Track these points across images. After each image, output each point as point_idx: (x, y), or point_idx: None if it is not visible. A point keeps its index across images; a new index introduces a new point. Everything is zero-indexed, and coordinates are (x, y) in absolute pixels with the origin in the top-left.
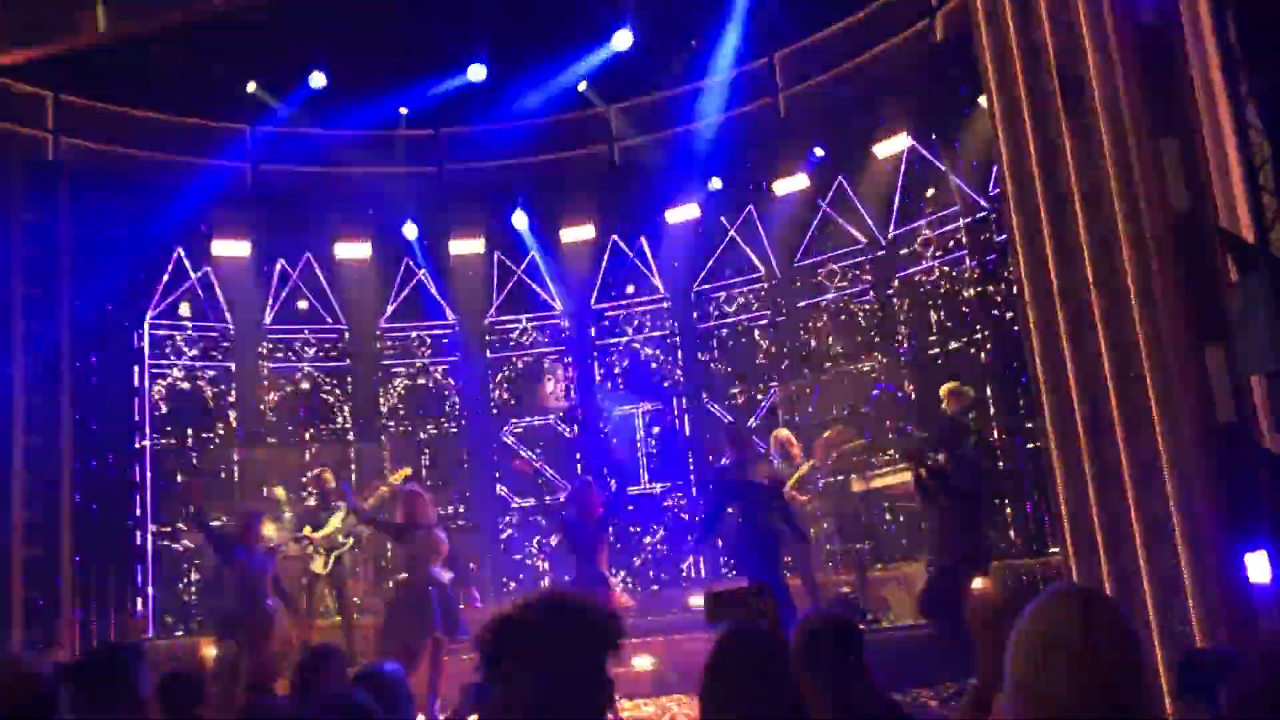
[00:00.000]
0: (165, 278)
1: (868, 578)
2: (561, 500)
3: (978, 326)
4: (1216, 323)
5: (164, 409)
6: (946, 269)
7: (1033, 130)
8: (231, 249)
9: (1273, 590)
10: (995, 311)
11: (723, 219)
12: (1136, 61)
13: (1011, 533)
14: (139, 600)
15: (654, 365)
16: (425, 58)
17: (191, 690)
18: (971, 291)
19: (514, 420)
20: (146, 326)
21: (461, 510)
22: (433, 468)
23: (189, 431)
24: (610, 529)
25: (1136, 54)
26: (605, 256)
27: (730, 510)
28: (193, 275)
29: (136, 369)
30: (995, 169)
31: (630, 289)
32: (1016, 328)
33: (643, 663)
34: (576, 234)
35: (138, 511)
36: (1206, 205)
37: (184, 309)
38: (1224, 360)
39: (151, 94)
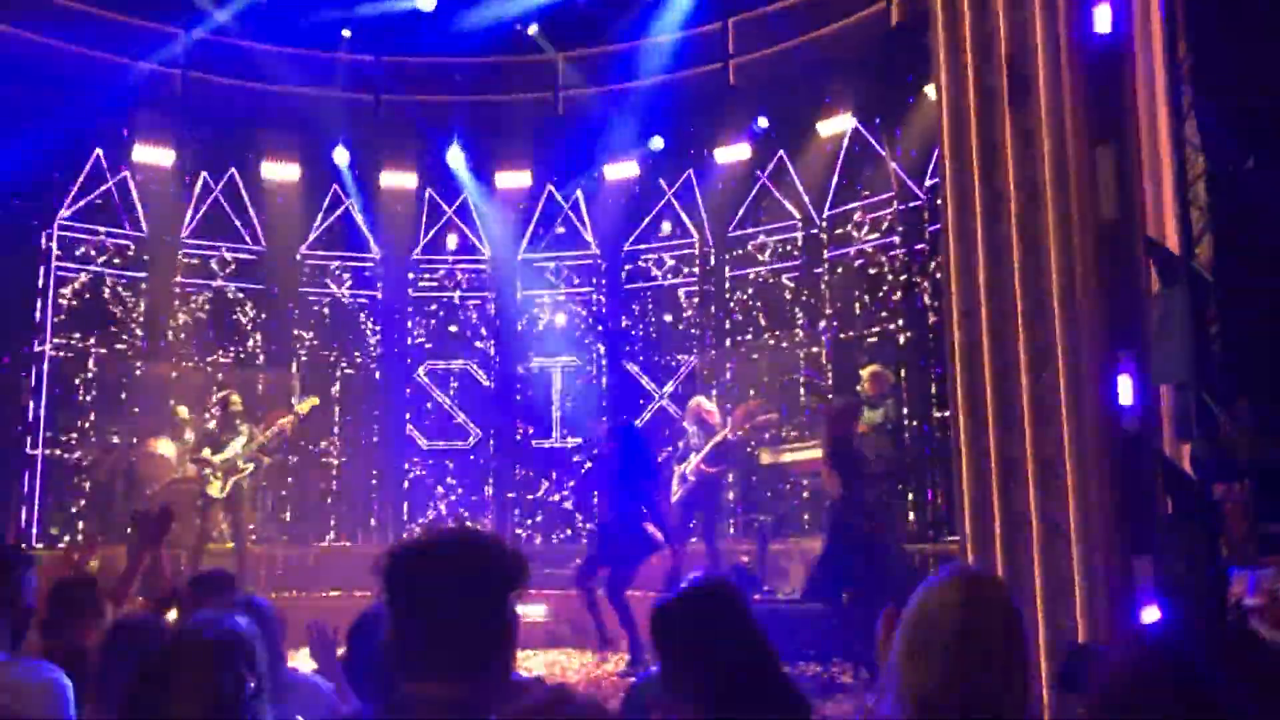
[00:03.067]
0: (81, 179)
1: (767, 550)
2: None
3: (900, 313)
4: (1132, 331)
5: (67, 315)
6: (875, 254)
7: (976, 125)
8: (154, 156)
9: (1154, 597)
10: (919, 300)
11: (661, 180)
12: (1085, 67)
13: (911, 515)
14: (24, 508)
15: (577, 320)
16: None
17: (83, 598)
18: (898, 278)
19: (430, 361)
20: (56, 227)
21: (375, 443)
22: (343, 402)
23: (91, 340)
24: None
25: (1086, 60)
26: (539, 205)
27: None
28: (110, 179)
29: (42, 270)
30: (934, 159)
31: (560, 241)
32: (935, 318)
33: (536, 613)
34: (512, 179)
35: (29, 417)
36: (1135, 215)
37: (98, 213)
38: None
39: None
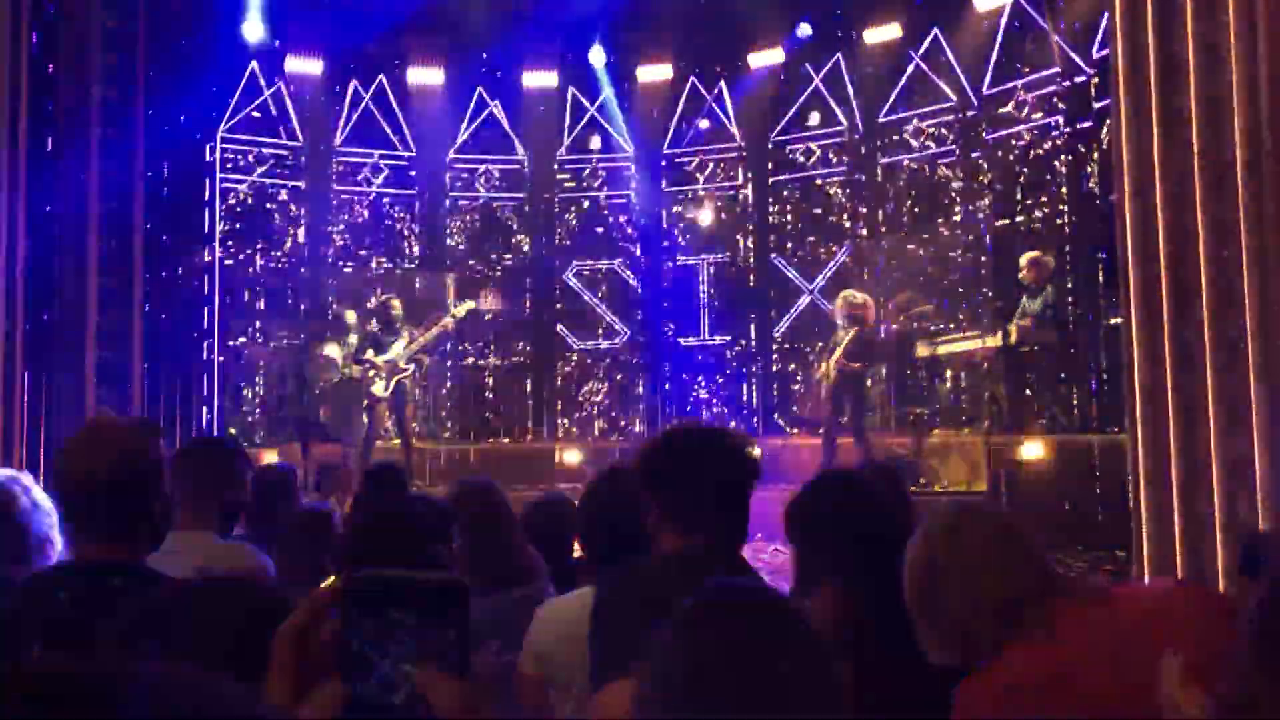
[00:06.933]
0: (239, 91)
1: (924, 443)
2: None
3: (1065, 196)
4: None
5: (231, 225)
6: (1037, 134)
7: None
8: (304, 66)
9: None
10: (1085, 181)
11: (808, 67)
12: None
13: (1075, 404)
14: (204, 410)
15: (723, 215)
16: None
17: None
18: (1063, 159)
19: (577, 261)
20: (219, 139)
21: (528, 346)
22: (494, 305)
23: (257, 248)
24: None
25: None
26: (681, 99)
27: None
28: (266, 91)
29: (208, 182)
30: (1101, 30)
31: (705, 135)
32: (1102, 198)
33: None
34: (653, 73)
35: (204, 324)
36: None
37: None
38: None
39: None
